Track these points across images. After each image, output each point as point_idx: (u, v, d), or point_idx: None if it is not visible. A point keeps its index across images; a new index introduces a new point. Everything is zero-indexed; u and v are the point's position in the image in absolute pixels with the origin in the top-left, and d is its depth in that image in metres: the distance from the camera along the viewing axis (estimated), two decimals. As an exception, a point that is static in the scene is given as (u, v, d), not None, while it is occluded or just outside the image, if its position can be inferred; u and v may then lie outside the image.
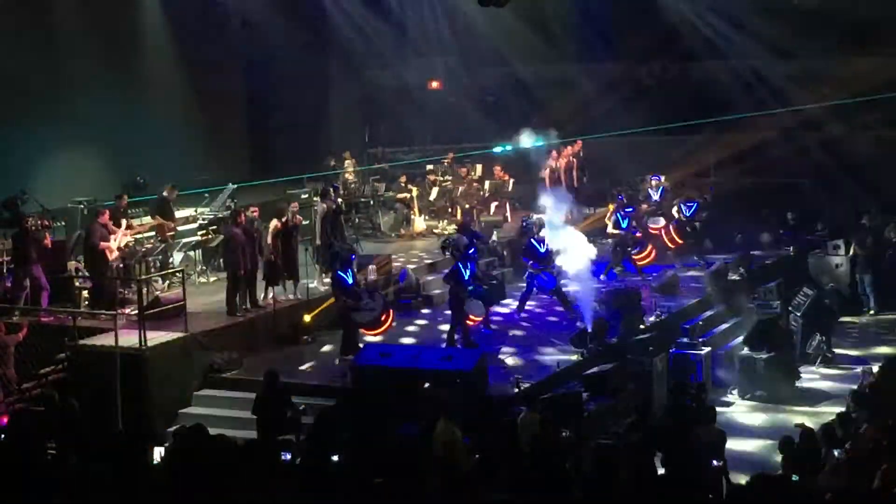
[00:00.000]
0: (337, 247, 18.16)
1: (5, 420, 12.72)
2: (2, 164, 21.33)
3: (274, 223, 17.41)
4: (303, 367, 15.96)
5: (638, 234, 21.32)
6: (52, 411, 12.59)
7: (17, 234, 16.66)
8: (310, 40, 27.66)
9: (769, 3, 26.93)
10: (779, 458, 11.40)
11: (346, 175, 24.48)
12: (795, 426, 12.58)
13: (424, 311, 18.96)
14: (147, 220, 19.17)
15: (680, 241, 22.03)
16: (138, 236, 18.29)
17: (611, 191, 24.12)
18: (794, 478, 10.52)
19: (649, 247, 21.26)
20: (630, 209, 21.43)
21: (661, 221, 21.99)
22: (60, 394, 13.40)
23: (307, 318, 17.14)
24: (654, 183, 23.10)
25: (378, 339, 16.39)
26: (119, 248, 16.88)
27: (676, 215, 22.26)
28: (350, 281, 16.26)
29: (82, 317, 15.98)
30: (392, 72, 29.72)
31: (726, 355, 17.66)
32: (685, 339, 17.08)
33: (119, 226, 17.27)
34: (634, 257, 21.02)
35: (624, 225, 20.99)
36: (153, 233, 18.78)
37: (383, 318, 16.30)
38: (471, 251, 17.32)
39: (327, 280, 18.35)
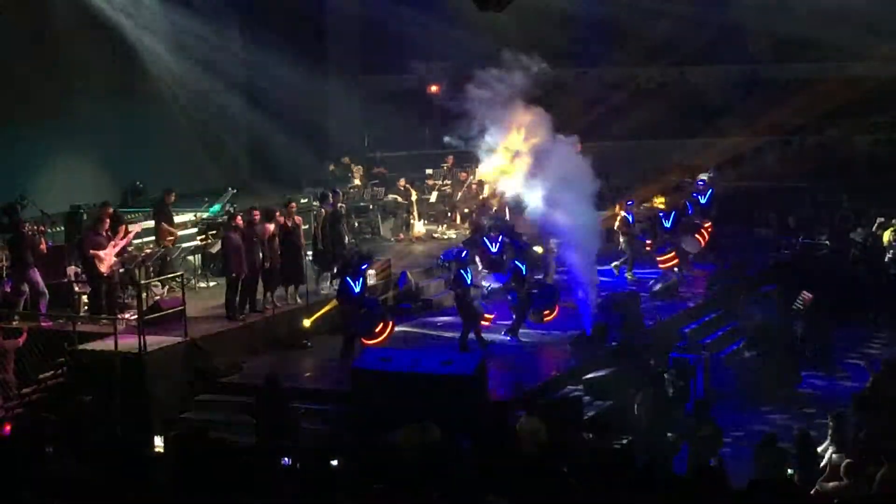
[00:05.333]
0: (348, 252, 18.13)
1: (7, 429, 12.66)
2: (1, 170, 21.32)
3: (267, 226, 17.25)
4: (302, 372, 15.95)
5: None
6: (53, 415, 12.55)
7: (12, 239, 16.64)
8: (310, 45, 27.65)
9: (767, 6, 26.96)
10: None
11: (354, 180, 24.39)
12: (797, 433, 12.46)
13: (424, 314, 18.92)
14: (146, 224, 19.17)
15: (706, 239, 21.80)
16: (136, 241, 18.24)
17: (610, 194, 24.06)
18: (789, 471, 10.54)
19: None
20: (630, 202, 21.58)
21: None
22: (66, 397, 13.37)
23: (307, 322, 17.13)
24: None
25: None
26: (117, 255, 16.69)
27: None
28: (357, 290, 16.24)
29: (82, 322, 15.96)
30: (391, 76, 29.72)
31: (726, 359, 17.66)
32: (685, 343, 17.08)
33: (116, 234, 17.06)
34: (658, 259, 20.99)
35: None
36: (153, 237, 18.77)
37: (380, 328, 16.30)
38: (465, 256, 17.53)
39: (325, 284, 18.39)
